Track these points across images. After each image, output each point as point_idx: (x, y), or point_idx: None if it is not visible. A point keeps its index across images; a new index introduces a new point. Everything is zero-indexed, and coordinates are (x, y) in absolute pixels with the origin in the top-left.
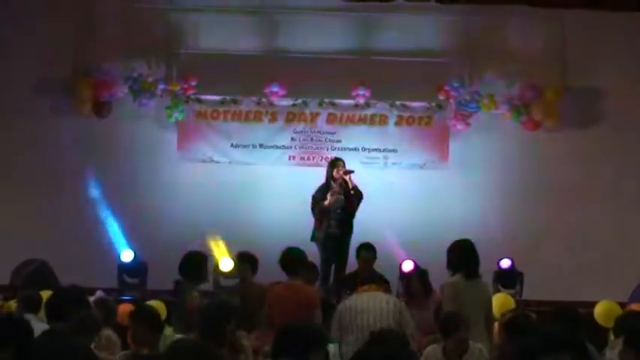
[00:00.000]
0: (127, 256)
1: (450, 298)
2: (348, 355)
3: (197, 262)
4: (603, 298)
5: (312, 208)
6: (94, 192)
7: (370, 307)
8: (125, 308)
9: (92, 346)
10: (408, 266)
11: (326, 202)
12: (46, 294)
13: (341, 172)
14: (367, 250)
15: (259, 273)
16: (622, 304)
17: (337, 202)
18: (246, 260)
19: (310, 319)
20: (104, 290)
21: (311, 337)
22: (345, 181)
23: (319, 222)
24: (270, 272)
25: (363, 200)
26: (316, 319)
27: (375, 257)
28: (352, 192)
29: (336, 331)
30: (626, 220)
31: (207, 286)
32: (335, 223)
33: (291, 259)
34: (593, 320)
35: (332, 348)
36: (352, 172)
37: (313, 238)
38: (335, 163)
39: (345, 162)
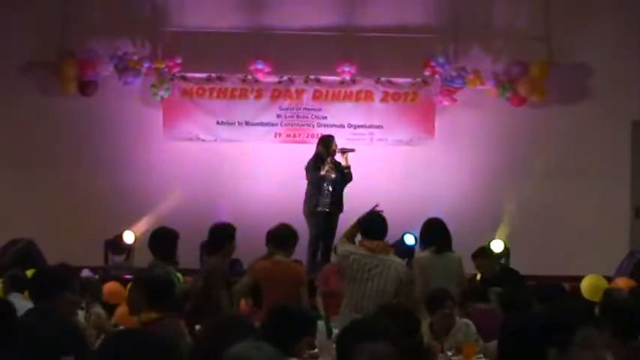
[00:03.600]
0: (128, 237)
1: (418, 272)
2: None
3: (165, 239)
4: (590, 273)
5: (308, 177)
6: (80, 171)
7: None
8: (111, 287)
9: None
10: (410, 240)
11: (322, 172)
12: (32, 273)
13: (339, 149)
14: None
15: (247, 249)
16: (608, 279)
17: (331, 171)
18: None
19: (296, 297)
20: (90, 269)
21: (299, 324)
22: (344, 159)
23: (309, 194)
24: (257, 249)
25: (350, 182)
26: (302, 297)
27: None
28: (346, 170)
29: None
30: (612, 195)
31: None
32: (324, 200)
33: (282, 235)
34: (580, 295)
35: (320, 326)
36: (353, 150)
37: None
38: (332, 141)
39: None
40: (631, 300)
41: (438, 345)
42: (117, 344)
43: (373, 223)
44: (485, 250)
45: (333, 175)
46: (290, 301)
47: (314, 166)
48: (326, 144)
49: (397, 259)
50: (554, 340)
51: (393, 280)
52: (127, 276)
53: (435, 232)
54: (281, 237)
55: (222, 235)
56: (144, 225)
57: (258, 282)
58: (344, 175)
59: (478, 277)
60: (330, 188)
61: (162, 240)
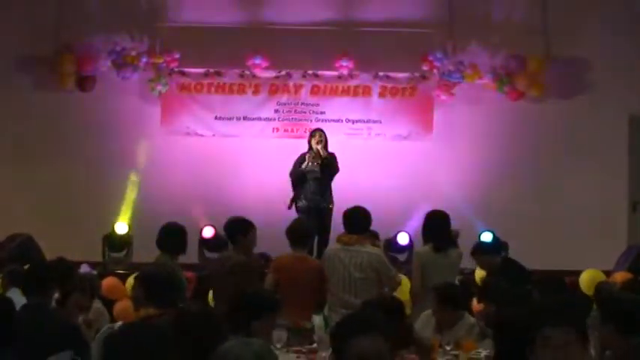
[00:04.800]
0: (121, 228)
1: (415, 267)
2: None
3: (177, 234)
4: (588, 267)
5: (290, 174)
6: (78, 167)
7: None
8: (110, 282)
9: (81, 319)
10: (403, 239)
11: (303, 165)
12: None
13: (313, 143)
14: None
15: None
16: (607, 273)
17: (312, 172)
18: None
19: (315, 292)
20: (89, 264)
21: (252, 307)
22: (318, 151)
23: (296, 190)
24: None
25: (337, 172)
26: (323, 292)
27: None
28: (325, 161)
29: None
30: (611, 190)
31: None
32: (309, 195)
33: (300, 230)
34: (579, 289)
35: (317, 319)
36: (321, 142)
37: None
38: (313, 134)
39: (329, 133)
40: (631, 295)
41: (436, 339)
42: (119, 338)
43: (351, 217)
44: (480, 246)
45: (317, 169)
46: (309, 296)
47: (297, 162)
48: (309, 136)
49: (372, 250)
50: (529, 338)
51: (367, 270)
52: (126, 271)
53: (435, 228)
54: (300, 233)
55: (233, 230)
56: (142, 220)
57: (279, 277)
58: (324, 167)
59: (476, 273)
60: (311, 182)
61: (173, 235)
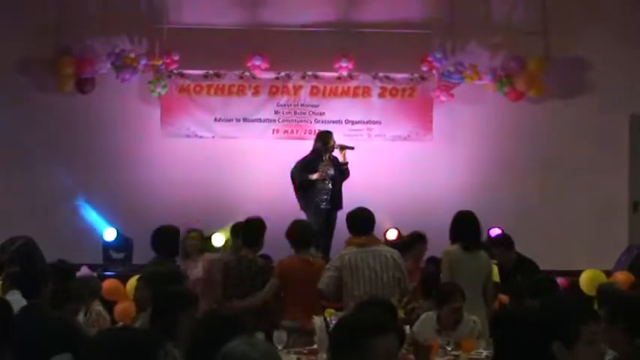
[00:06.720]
0: (109, 234)
1: (445, 266)
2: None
3: (170, 236)
4: (589, 267)
5: (294, 176)
6: (78, 169)
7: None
8: (110, 284)
9: (82, 320)
10: (392, 235)
11: (314, 176)
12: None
13: (337, 145)
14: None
15: None
16: (607, 273)
17: (326, 175)
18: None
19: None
20: (89, 266)
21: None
22: (342, 155)
23: (304, 193)
24: None
25: (347, 178)
26: None
27: None
28: (343, 167)
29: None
30: (611, 189)
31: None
32: (326, 197)
33: (301, 232)
34: (579, 289)
35: (317, 321)
36: (352, 148)
37: (306, 208)
38: (330, 137)
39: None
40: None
41: (434, 340)
42: (101, 342)
43: (359, 218)
44: (495, 239)
45: (331, 172)
46: (315, 298)
47: (306, 166)
48: (324, 139)
49: (390, 249)
50: (558, 334)
51: (393, 268)
52: (127, 273)
53: (464, 228)
54: (303, 235)
55: (258, 232)
56: (142, 222)
57: (284, 280)
58: (342, 172)
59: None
60: (330, 185)
61: (167, 237)
